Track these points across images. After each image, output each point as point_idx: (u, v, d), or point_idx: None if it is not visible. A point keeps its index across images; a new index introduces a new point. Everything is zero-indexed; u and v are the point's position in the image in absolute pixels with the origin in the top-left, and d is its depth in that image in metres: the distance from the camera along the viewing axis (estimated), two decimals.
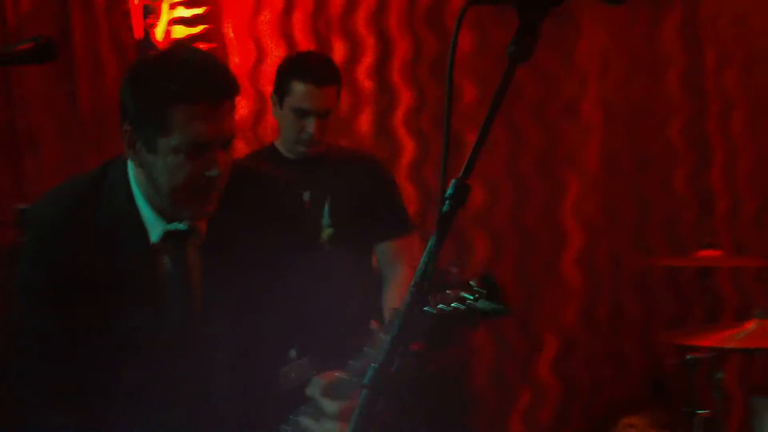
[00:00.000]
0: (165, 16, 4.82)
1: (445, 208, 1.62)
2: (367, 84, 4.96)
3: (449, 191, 1.63)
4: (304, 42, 4.98)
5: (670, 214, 4.93)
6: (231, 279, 2.60)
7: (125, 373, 2.60)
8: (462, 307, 2.23)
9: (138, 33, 4.89)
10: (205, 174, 2.47)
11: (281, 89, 3.93)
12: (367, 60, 4.94)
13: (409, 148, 4.93)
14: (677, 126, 4.89)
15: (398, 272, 3.99)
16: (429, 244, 1.62)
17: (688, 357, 3.80)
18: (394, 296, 3.94)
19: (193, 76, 2.43)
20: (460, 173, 1.64)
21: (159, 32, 4.83)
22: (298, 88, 3.87)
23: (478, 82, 4.80)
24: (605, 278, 4.91)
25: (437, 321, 2.28)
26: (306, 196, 3.90)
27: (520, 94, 4.76)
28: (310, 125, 3.86)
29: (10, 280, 3.96)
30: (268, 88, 4.98)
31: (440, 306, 2.26)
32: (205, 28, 4.83)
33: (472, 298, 2.25)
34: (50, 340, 2.59)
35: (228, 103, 2.48)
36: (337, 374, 2.46)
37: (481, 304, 2.25)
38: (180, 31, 4.81)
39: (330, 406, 2.48)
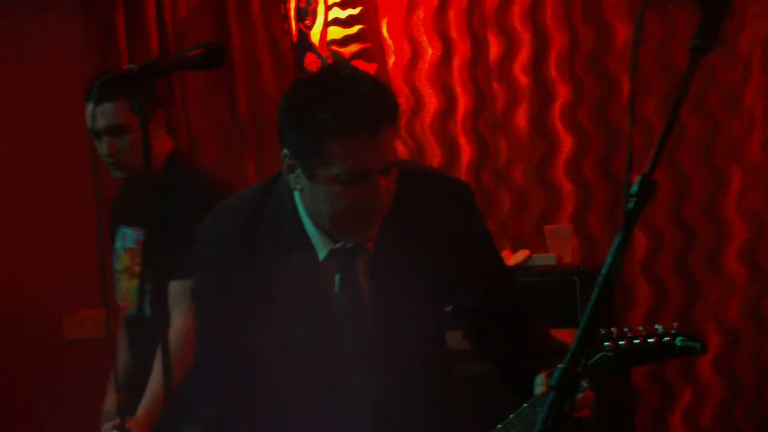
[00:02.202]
0: (320, 18, 4.86)
1: (631, 205, 1.60)
2: (523, 80, 4.91)
3: (634, 188, 1.60)
4: (460, 39, 4.97)
5: None
6: (402, 293, 2.59)
7: (296, 389, 2.63)
8: (652, 340, 2.24)
9: (294, 35, 4.95)
10: (366, 202, 2.45)
11: None
12: (523, 55, 4.90)
13: (567, 143, 4.87)
14: None
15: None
16: (615, 241, 1.59)
17: None
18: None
19: (348, 107, 2.38)
20: (646, 169, 1.61)
21: (315, 34, 4.88)
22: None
23: (637, 75, 4.71)
24: None
25: (626, 354, 2.29)
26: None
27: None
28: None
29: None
30: (424, 88, 5.02)
31: (633, 340, 2.27)
32: (360, 29, 4.85)
33: (662, 331, 2.26)
34: (223, 355, 2.64)
35: (388, 129, 2.43)
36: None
37: (678, 341, 2.26)
38: (336, 32, 4.84)
39: None
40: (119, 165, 3.77)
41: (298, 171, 2.48)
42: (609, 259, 1.58)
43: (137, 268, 3.85)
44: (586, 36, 4.81)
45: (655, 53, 4.69)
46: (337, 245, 2.57)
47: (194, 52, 2.42)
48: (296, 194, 2.57)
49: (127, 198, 3.97)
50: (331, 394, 2.62)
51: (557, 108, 4.89)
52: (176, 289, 3.62)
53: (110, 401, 3.94)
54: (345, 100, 2.39)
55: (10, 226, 5.36)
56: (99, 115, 3.70)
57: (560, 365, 1.58)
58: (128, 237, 3.90)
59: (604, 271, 1.58)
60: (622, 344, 2.41)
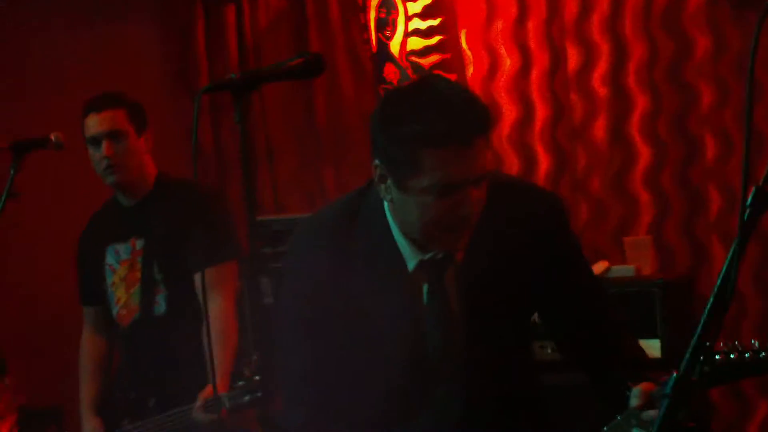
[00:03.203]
0: (401, 28, 4.87)
1: (746, 216, 1.60)
2: (601, 90, 4.91)
3: (750, 199, 1.61)
4: (538, 50, 4.98)
5: None
6: (490, 304, 2.59)
7: (383, 397, 2.64)
8: (748, 356, 2.22)
9: (374, 46, 4.96)
10: (457, 213, 2.46)
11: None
12: (602, 66, 4.90)
13: (645, 154, 4.86)
14: None
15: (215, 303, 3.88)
16: (731, 251, 1.60)
17: None
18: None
19: (441, 118, 2.38)
20: (762, 180, 1.61)
21: (395, 45, 4.89)
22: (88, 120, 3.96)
23: (716, 85, 4.71)
24: None
25: (724, 370, 2.26)
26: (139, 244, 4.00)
27: (763, 93, 4.63)
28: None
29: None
30: (502, 98, 5.04)
31: (730, 355, 2.24)
32: (440, 39, 4.86)
33: (758, 346, 2.24)
34: (313, 366, 2.64)
35: (480, 141, 2.43)
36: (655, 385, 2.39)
37: None
38: (416, 43, 4.85)
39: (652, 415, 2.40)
40: (116, 168, 3.94)
41: (389, 181, 2.49)
42: (724, 271, 1.58)
43: (138, 274, 4.00)
44: (665, 46, 4.80)
45: (735, 63, 4.66)
46: (427, 256, 2.58)
47: (294, 62, 2.43)
48: (386, 204, 2.59)
49: (109, 219, 4.13)
50: (419, 403, 2.64)
51: (635, 118, 4.88)
52: (213, 273, 3.86)
53: (92, 424, 4.06)
54: (438, 111, 2.39)
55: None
56: (100, 122, 3.92)
57: (675, 374, 1.58)
58: (120, 251, 4.05)
59: (719, 282, 1.58)
60: (718, 359, 2.38)
